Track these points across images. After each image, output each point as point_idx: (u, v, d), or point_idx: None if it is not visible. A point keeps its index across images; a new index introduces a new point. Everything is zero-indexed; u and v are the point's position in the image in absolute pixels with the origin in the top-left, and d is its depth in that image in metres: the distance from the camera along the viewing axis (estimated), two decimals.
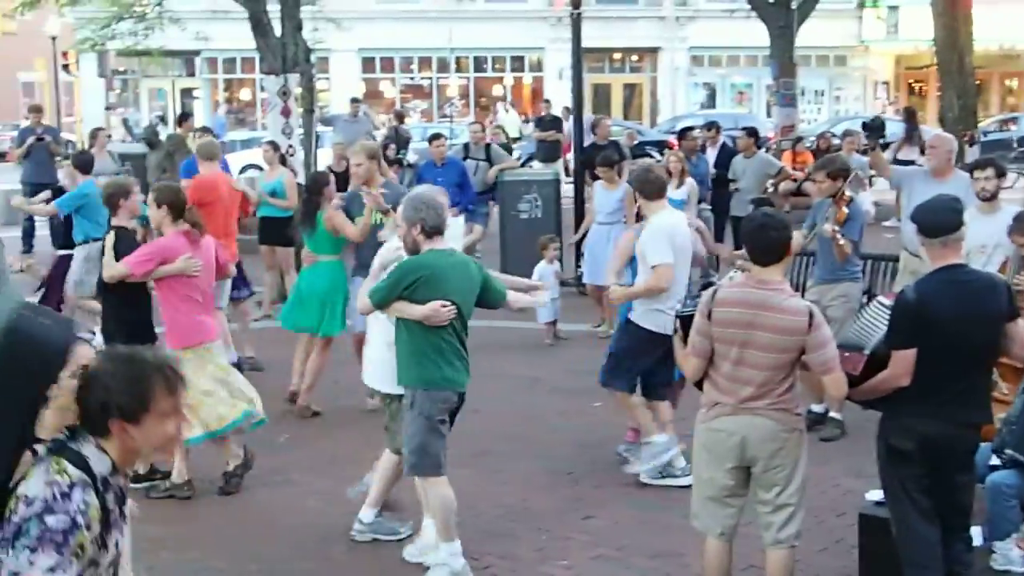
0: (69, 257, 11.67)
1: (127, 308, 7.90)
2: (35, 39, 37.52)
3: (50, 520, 3.26)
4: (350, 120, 23.22)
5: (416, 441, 6.32)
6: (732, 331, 5.45)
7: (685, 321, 5.82)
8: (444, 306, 6.16)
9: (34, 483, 3.30)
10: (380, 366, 6.81)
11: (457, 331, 6.31)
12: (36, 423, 3.38)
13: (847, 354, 5.53)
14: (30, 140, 18.11)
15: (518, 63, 45.37)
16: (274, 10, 14.39)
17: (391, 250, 6.69)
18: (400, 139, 21.75)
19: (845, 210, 8.81)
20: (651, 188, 7.89)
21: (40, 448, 3.41)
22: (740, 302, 5.47)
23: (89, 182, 11.65)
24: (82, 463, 3.37)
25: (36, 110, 19.16)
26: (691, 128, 16.30)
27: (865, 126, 14.46)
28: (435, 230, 6.28)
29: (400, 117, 24.61)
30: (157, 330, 8.08)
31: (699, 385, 5.77)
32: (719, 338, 5.50)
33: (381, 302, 6.30)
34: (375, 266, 6.77)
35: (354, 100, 24.00)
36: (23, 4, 20.62)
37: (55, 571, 3.21)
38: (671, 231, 7.76)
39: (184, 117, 19.42)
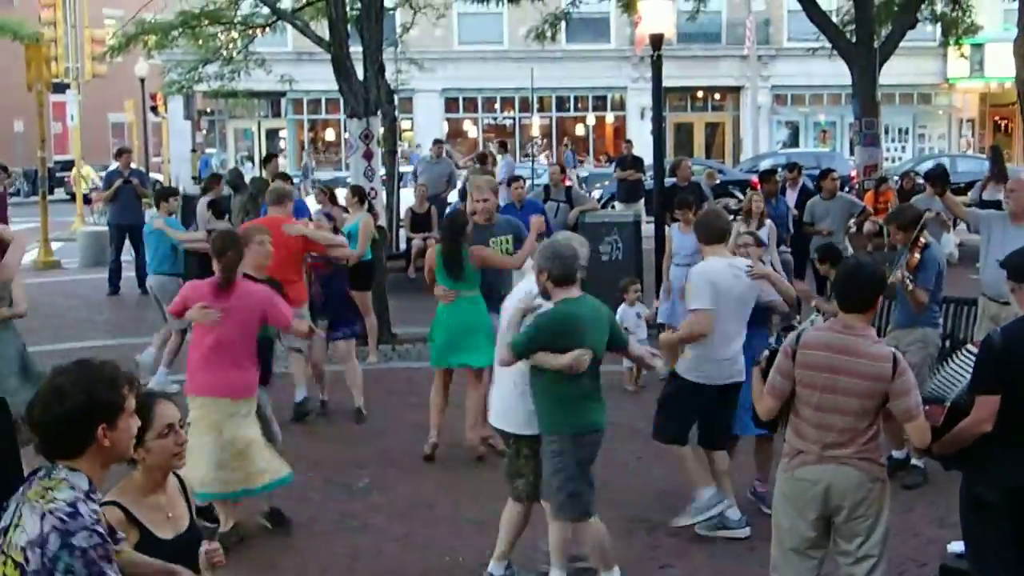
0: None
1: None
2: (125, 81, 38.32)
3: (77, 541, 3.23)
4: (433, 161, 23.43)
5: (571, 487, 6.51)
6: (815, 375, 5.40)
7: (771, 358, 5.79)
8: (584, 353, 6.36)
9: (30, 526, 3.24)
10: (510, 408, 6.82)
11: (595, 374, 6.56)
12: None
13: (927, 408, 5.46)
14: (117, 182, 18.49)
15: (600, 102, 45.48)
16: (357, 51, 14.57)
17: (530, 296, 6.70)
18: (487, 175, 21.86)
19: (917, 256, 8.71)
20: (708, 233, 7.77)
21: (17, 492, 3.38)
22: (825, 345, 5.42)
23: None
24: (65, 485, 3.33)
25: (124, 153, 19.57)
26: (773, 171, 16.22)
27: (927, 176, 14.32)
28: (562, 279, 6.47)
29: (483, 159, 24.72)
30: None
31: (770, 426, 5.74)
32: (802, 381, 5.46)
33: (523, 354, 6.48)
34: (512, 313, 6.73)
35: (437, 141, 24.22)
36: (113, 48, 21.12)
37: None
38: (714, 277, 7.53)
39: (268, 159, 19.71)
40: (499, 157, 25.92)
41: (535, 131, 42.88)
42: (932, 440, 5.42)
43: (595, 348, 6.46)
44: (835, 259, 10.35)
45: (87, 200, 29.34)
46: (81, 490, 3.34)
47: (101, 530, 3.29)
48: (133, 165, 19.83)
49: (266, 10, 17.97)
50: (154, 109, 40.19)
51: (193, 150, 36.83)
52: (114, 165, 20.18)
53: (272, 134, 46.14)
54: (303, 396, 10.89)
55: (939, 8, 23.36)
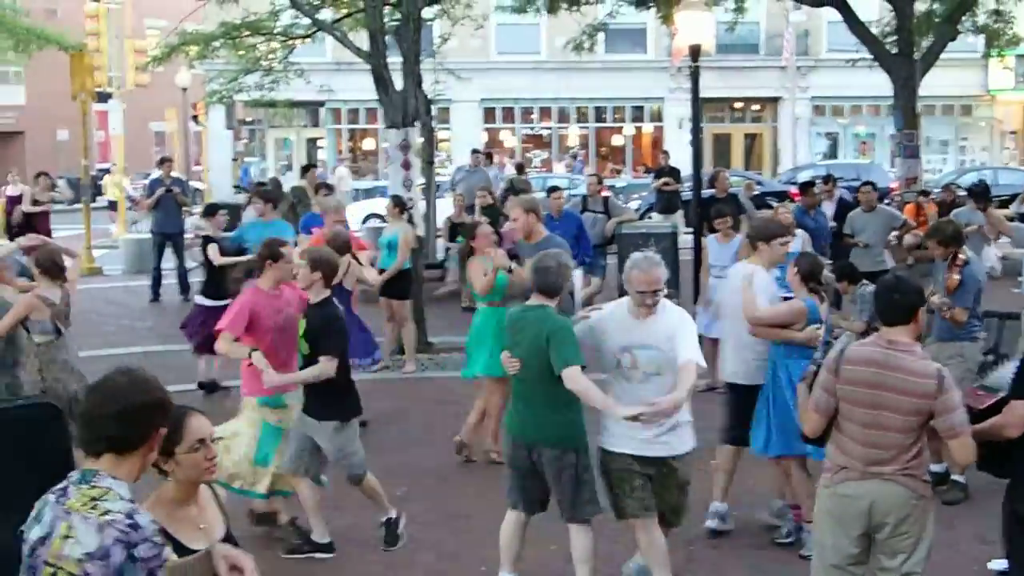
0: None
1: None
2: (167, 90, 38.66)
3: (139, 552, 3.26)
4: (470, 171, 23.48)
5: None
6: (860, 391, 5.35)
7: (817, 373, 5.73)
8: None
9: (87, 538, 3.24)
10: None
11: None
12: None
13: (980, 393, 5.41)
14: (159, 191, 18.62)
15: (638, 113, 45.39)
16: (395, 61, 14.61)
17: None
18: (517, 191, 21.88)
19: (956, 277, 8.67)
20: (758, 234, 8.00)
21: (47, 500, 3.39)
22: (869, 361, 5.37)
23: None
24: (114, 495, 3.35)
25: (166, 162, 19.71)
26: (812, 183, 16.10)
27: (970, 192, 14.19)
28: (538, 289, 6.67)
29: (520, 168, 24.73)
30: None
31: (816, 442, 5.68)
32: (845, 397, 5.41)
33: None
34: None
35: (474, 151, 24.27)
36: (155, 58, 21.28)
37: None
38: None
39: (307, 168, 19.79)
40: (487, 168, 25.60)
41: (572, 141, 42.86)
42: (972, 422, 5.36)
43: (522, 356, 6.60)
44: (853, 277, 10.31)
45: (115, 207, 29.56)
46: (129, 499, 3.36)
47: (159, 540, 3.34)
48: (174, 174, 19.97)
49: (306, 21, 18.05)
50: (195, 118, 40.49)
51: (234, 159, 37.06)
52: (156, 174, 20.34)
53: (311, 143, 46.35)
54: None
55: (981, 19, 23.13)
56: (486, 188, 16.04)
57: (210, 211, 13.31)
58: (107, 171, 37.67)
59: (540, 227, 9.35)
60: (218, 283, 12.21)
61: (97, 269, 22.68)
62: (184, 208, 19.16)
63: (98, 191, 38.81)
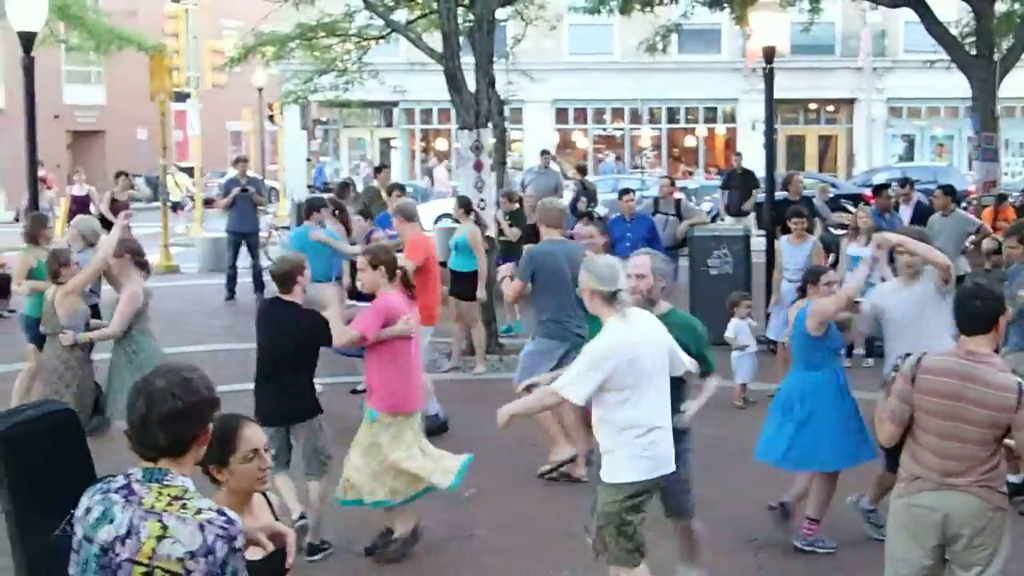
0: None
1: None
2: (243, 90, 38.98)
3: (238, 544, 3.43)
4: (540, 172, 23.47)
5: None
6: (937, 401, 5.26)
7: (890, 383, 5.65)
8: None
9: (186, 537, 3.35)
10: None
11: None
12: None
13: None
14: (235, 191, 18.80)
15: (711, 114, 45.15)
16: (468, 62, 14.64)
17: None
18: (588, 192, 21.84)
19: None
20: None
21: (112, 500, 3.46)
22: (947, 372, 5.28)
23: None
24: (196, 494, 3.48)
25: (241, 162, 19.90)
26: (887, 185, 15.91)
27: None
28: None
29: (582, 171, 24.57)
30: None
31: (893, 452, 5.60)
32: (922, 407, 5.32)
33: None
34: None
35: (544, 152, 24.24)
36: (232, 60, 21.51)
37: None
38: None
39: (379, 168, 19.88)
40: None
41: (645, 142, 42.74)
42: None
43: None
44: None
45: (175, 208, 29.79)
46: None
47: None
48: (250, 173, 20.16)
49: (380, 22, 18.15)
50: (271, 118, 40.84)
51: (308, 159, 37.28)
52: (231, 173, 20.51)
53: (385, 143, 46.65)
54: (435, 411, 10.68)
55: None
56: (508, 194, 15.96)
57: (312, 208, 13.00)
58: (187, 171, 38.21)
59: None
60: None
61: (174, 267, 22.96)
62: (259, 207, 19.33)
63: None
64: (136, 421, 3.49)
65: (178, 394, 3.47)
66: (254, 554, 3.75)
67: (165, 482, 3.45)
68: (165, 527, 3.36)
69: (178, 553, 3.34)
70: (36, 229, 11.24)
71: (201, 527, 3.36)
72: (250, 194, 18.80)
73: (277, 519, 4.26)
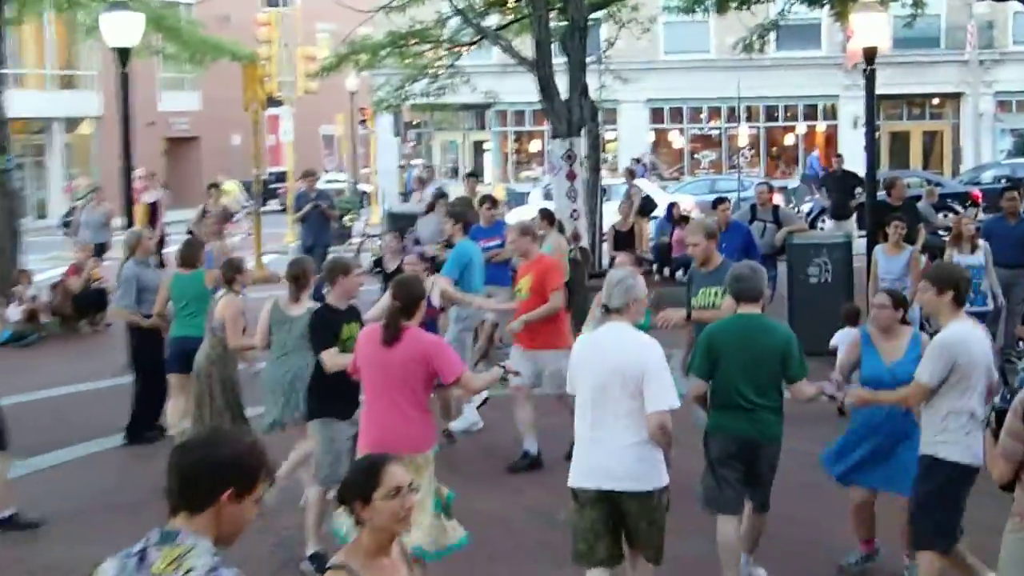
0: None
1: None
2: (336, 94, 39.46)
3: None
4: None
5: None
6: None
7: (1000, 416, 5.55)
8: None
9: None
10: None
11: None
12: None
13: None
14: (307, 207, 18.73)
15: (811, 111, 44.62)
16: (560, 62, 14.64)
17: None
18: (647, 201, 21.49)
19: None
20: (960, 294, 6.79)
21: (126, 565, 3.40)
22: None
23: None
24: (196, 552, 3.35)
25: (310, 175, 19.86)
26: (1016, 186, 15.19)
27: None
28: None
29: (631, 174, 24.17)
30: None
31: (1008, 488, 5.49)
32: None
33: None
34: None
35: (635, 160, 24.15)
36: (324, 68, 21.78)
37: None
38: (954, 350, 6.61)
39: (471, 175, 19.85)
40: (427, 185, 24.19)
41: (743, 141, 42.34)
42: None
43: None
44: None
45: (230, 217, 29.90)
46: (212, 554, 3.37)
47: None
48: (323, 184, 20.16)
49: (471, 29, 18.25)
50: (363, 122, 41.23)
51: (400, 166, 37.35)
52: (301, 187, 20.20)
53: (477, 146, 46.83)
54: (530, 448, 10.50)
55: None
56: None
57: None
58: (280, 176, 38.69)
59: (717, 254, 9.09)
60: None
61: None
62: (332, 222, 19.30)
63: (271, 195, 39.92)
64: (168, 466, 3.49)
65: (205, 451, 3.44)
66: None
67: (176, 543, 3.38)
68: None
69: None
70: (193, 253, 11.36)
71: None
72: (322, 209, 18.83)
73: (411, 571, 4.26)
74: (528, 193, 33.31)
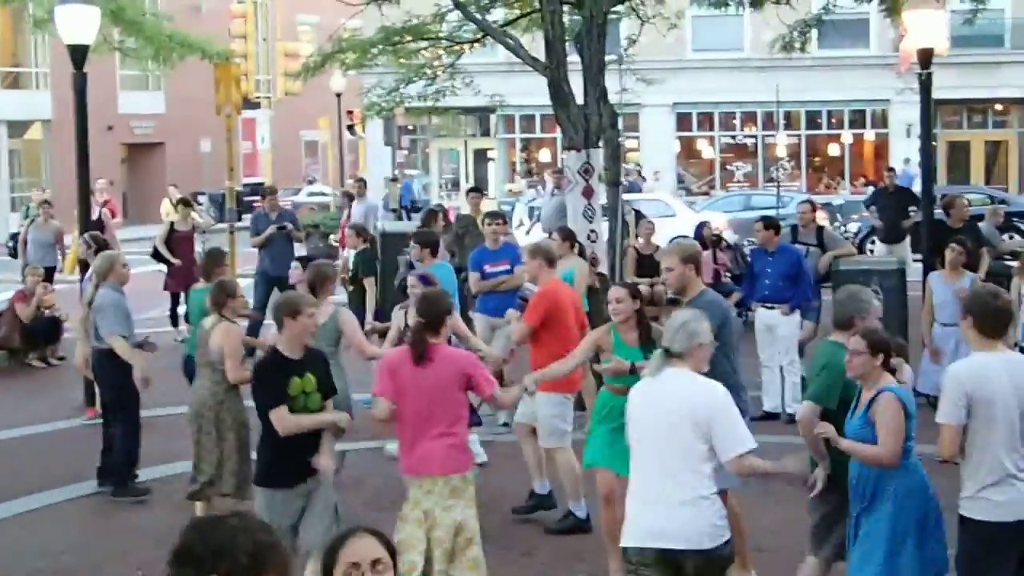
0: None
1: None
2: (319, 95, 39.40)
3: None
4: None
5: None
6: None
7: None
8: None
9: None
10: None
11: None
12: None
13: None
14: (269, 230, 18.20)
15: (858, 117, 44.65)
16: (574, 62, 14.60)
17: None
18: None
19: None
20: (984, 322, 6.76)
21: None
22: None
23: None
24: None
25: (270, 194, 19.46)
26: None
27: None
28: None
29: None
30: None
31: None
32: None
33: None
34: None
35: (625, 172, 24.15)
36: (308, 69, 21.74)
37: None
38: (974, 383, 6.61)
39: (474, 190, 19.81)
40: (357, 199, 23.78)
41: (781, 151, 42.38)
42: None
43: None
44: None
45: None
46: None
47: None
48: (303, 197, 20.07)
49: (473, 25, 18.21)
50: (351, 128, 41.19)
51: (393, 179, 37.06)
52: (258, 207, 19.85)
53: (480, 155, 46.75)
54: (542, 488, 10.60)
55: None
56: (357, 227, 16.03)
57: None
58: (257, 187, 38.61)
59: (697, 281, 8.87)
60: None
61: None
62: (298, 244, 18.99)
63: (247, 209, 39.85)
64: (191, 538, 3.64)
65: (196, 536, 3.60)
66: None
67: None
68: None
69: None
70: (213, 266, 11.47)
71: None
72: (288, 232, 18.45)
73: None
74: (512, 208, 32.98)
